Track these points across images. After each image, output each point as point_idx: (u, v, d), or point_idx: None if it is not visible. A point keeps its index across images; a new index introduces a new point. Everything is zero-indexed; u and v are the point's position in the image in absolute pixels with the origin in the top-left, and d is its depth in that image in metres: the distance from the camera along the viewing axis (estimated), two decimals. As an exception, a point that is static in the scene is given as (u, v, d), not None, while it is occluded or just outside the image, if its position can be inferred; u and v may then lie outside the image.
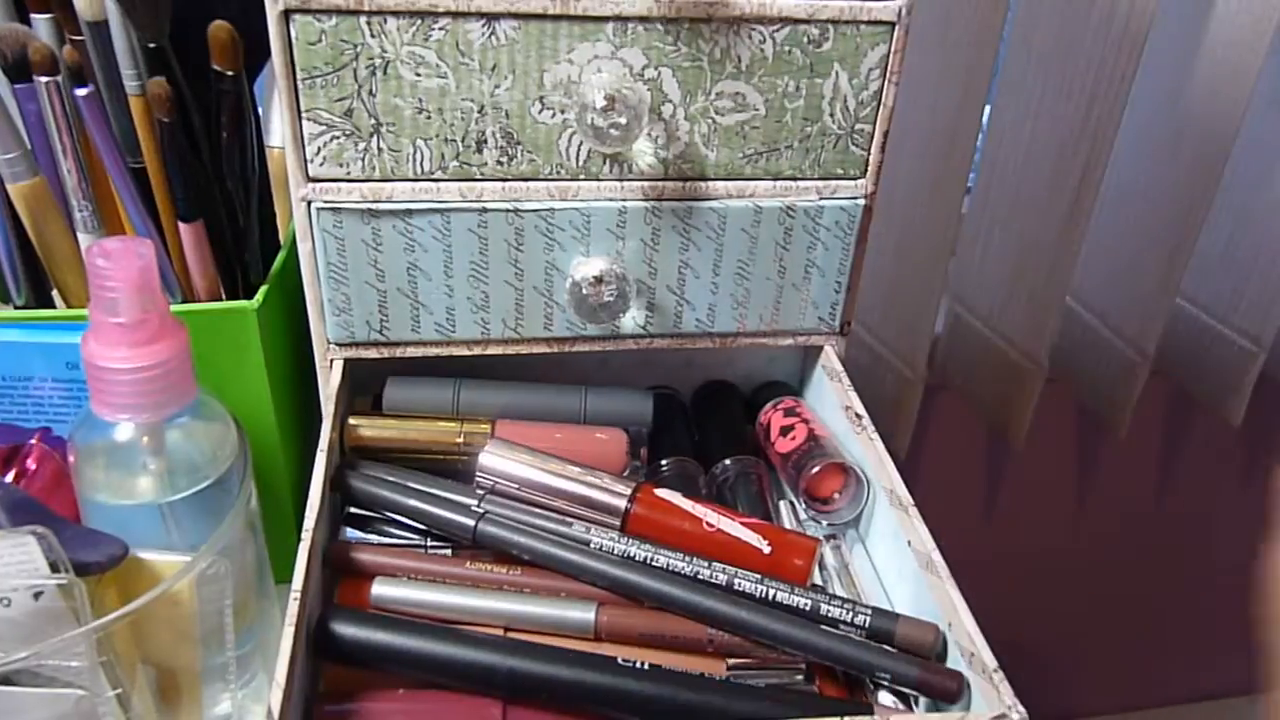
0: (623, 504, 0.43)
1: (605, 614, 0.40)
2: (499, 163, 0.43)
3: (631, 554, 0.41)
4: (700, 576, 0.40)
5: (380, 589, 0.40)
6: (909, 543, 0.41)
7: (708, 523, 0.42)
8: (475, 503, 0.43)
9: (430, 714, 0.37)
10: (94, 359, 0.35)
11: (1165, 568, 1.27)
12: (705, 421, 0.53)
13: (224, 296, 0.49)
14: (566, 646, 0.39)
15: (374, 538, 0.44)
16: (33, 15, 0.44)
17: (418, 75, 0.41)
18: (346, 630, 0.37)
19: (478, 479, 0.44)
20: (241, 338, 0.44)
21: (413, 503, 0.43)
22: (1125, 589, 1.29)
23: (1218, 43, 0.78)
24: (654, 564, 0.41)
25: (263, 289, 0.44)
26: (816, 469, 0.46)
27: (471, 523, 0.42)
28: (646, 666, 0.38)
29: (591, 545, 0.41)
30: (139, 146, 0.45)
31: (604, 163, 0.44)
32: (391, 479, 0.44)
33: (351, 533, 0.44)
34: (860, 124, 0.45)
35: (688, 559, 0.40)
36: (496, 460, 0.44)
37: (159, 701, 0.39)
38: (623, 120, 0.41)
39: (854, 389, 0.48)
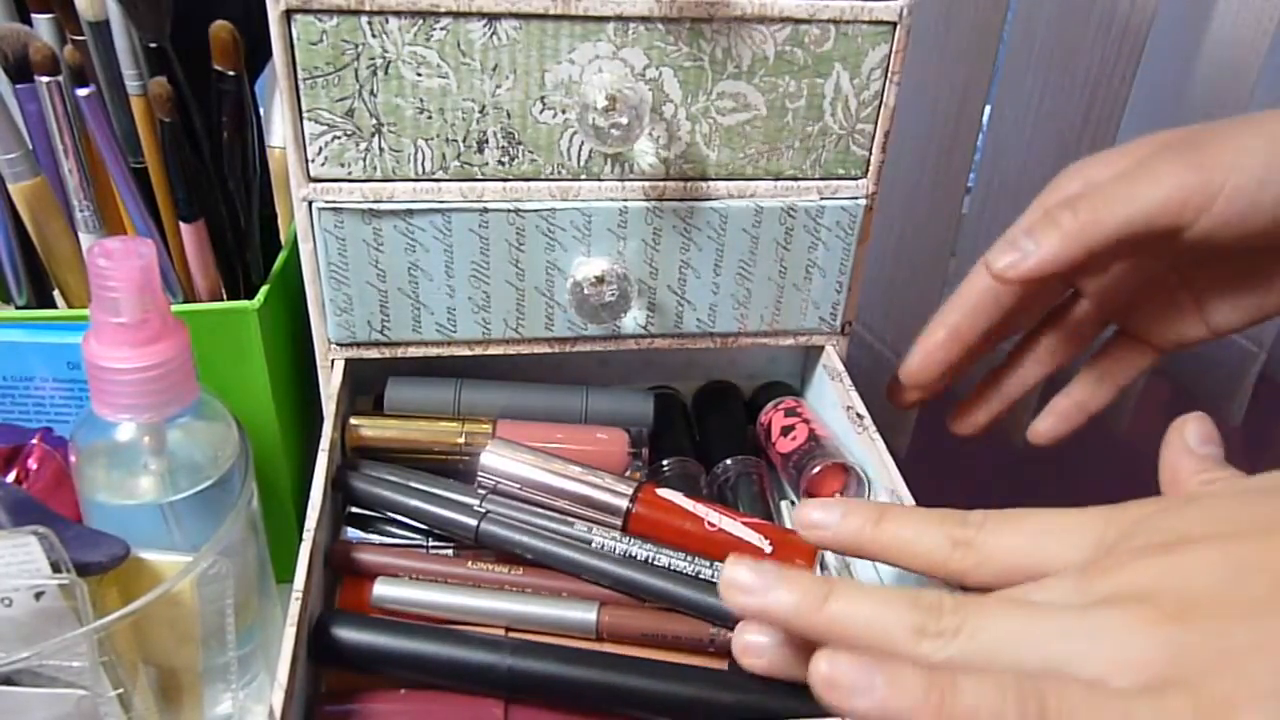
0: (624, 504, 0.43)
1: (607, 614, 0.40)
2: (500, 163, 0.43)
3: (633, 554, 0.41)
4: (702, 576, 0.40)
5: (382, 589, 0.40)
6: (910, 542, 0.41)
7: (709, 522, 0.42)
8: (477, 502, 0.43)
9: (432, 714, 0.37)
10: (95, 359, 0.35)
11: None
12: (706, 421, 0.53)
13: (225, 296, 0.49)
14: (567, 645, 0.39)
15: (375, 538, 0.44)
16: (34, 15, 0.44)
17: (419, 75, 0.41)
18: (344, 634, 0.37)
19: (479, 479, 0.44)
20: (243, 338, 0.43)
21: (414, 503, 0.43)
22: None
23: (1218, 43, 0.78)
24: (655, 564, 0.41)
25: (264, 289, 0.44)
26: (818, 469, 0.46)
27: (474, 522, 0.42)
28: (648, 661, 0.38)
29: (593, 545, 0.41)
30: (140, 146, 0.45)
31: (605, 163, 0.44)
32: (393, 479, 0.44)
33: (353, 533, 0.44)
34: (861, 124, 0.45)
35: (689, 558, 0.40)
36: (498, 460, 0.44)
37: (160, 701, 0.39)
38: (624, 120, 0.41)
39: (855, 389, 0.48)
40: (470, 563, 0.42)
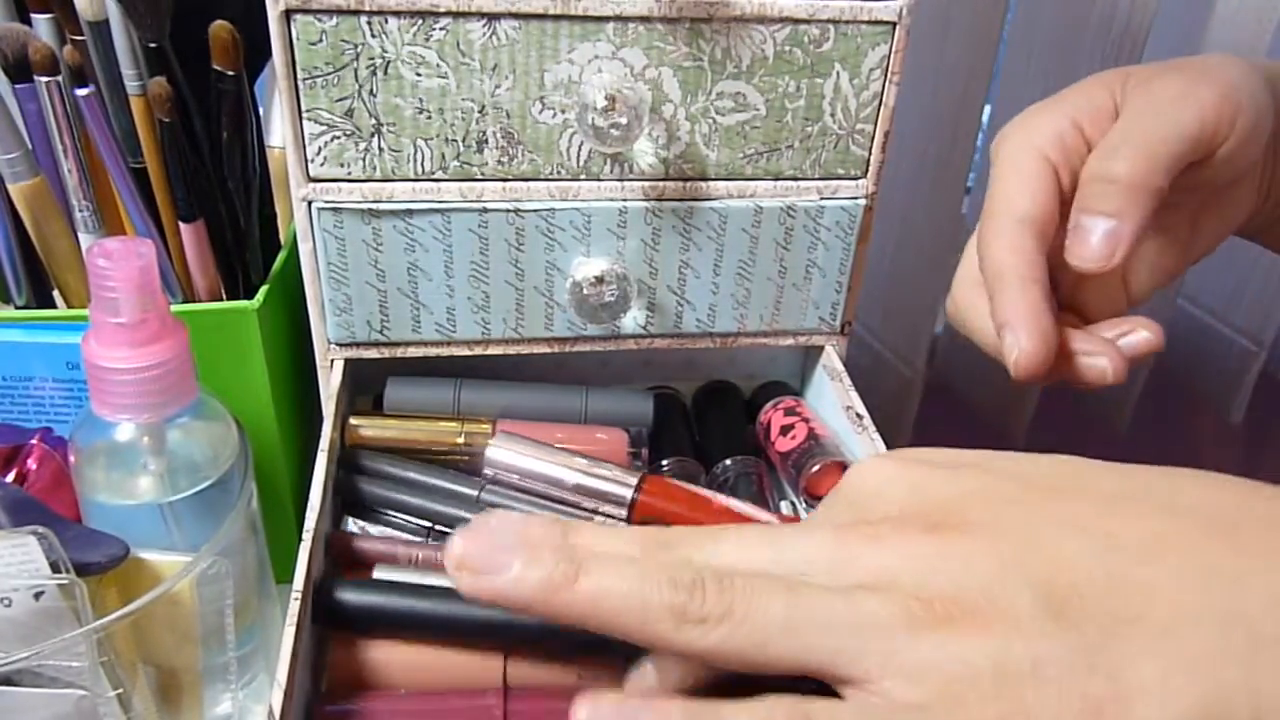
0: (629, 493, 0.43)
1: None
2: (500, 163, 0.43)
3: None
4: None
5: (381, 576, 0.40)
6: (910, 542, 0.41)
7: (716, 503, 0.42)
8: (476, 492, 0.43)
9: (431, 714, 0.37)
10: (94, 359, 0.35)
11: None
12: (706, 421, 0.53)
13: (224, 296, 0.49)
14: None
15: (376, 529, 0.45)
16: (33, 15, 0.44)
17: (418, 75, 0.41)
18: (349, 596, 0.38)
19: (485, 473, 0.44)
20: (242, 338, 0.43)
21: (415, 499, 0.43)
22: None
23: (1218, 43, 0.78)
24: None
25: (263, 289, 0.44)
26: (817, 468, 0.46)
27: (470, 516, 0.42)
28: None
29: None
30: (139, 146, 0.45)
31: (605, 163, 0.44)
32: (392, 470, 0.44)
33: (354, 524, 0.45)
34: (861, 124, 0.45)
35: None
36: (504, 454, 0.44)
37: (160, 701, 0.39)
38: (623, 120, 0.41)
39: (854, 389, 0.48)
40: None
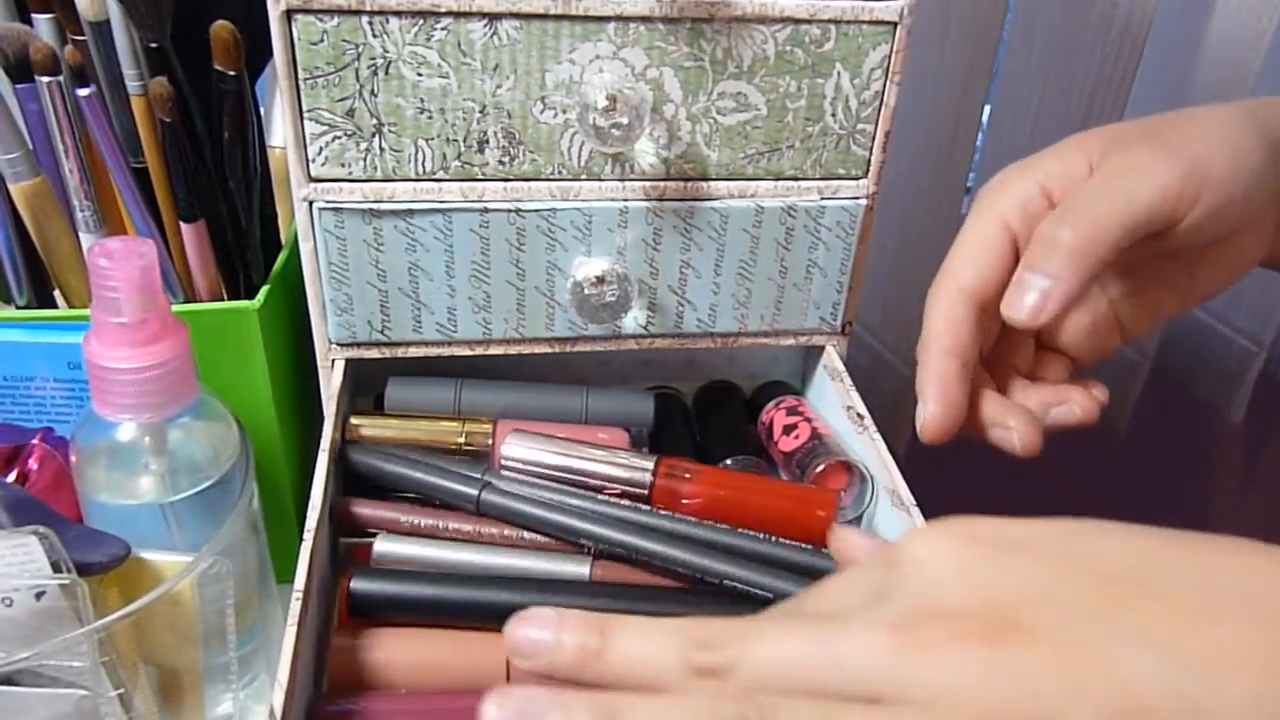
0: (647, 476, 0.43)
1: (600, 567, 0.41)
2: (501, 163, 0.43)
3: (631, 518, 0.42)
4: (706, 538, 0.41)
5: (383, 546, 0.41)
6: (911, 542, 0.41)
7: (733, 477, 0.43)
8: (479, 473, 0.44)
9: (432, 714, 0.37)
10: (96, 359, 0.35)
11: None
12: (707, 421, 0.53)
13: (225, 296, 0.49)
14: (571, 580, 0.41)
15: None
16: (34, 15, 0.44)
17: (419, 75, 0.41)
18: (374, 587, 0.39)
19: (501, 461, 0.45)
20: (243, 338, 0.43)
21: (417, 474, 0.44)
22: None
23: (1218, 43, 0.78)
24: (654, 526, 0.41)
25: (264, 289, 0.44)
26: (821, 468, 0.45)
27: (475, 491, 0.42)
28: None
29: (592, 509, 0.42)
30: (141, 146, 0.45)
31: (606, 163, 0.44)
32: (396, 454, 0.45)
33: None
34: (862, 124, 0.45)
35: (693, 522, 0.41)
36: (519, 450, 0.44)
37: (161, 701, 0.39)
38: (624, 120, 0.41)
39: (855, 389, 0.48)
40: (477, 527, 0.43)
